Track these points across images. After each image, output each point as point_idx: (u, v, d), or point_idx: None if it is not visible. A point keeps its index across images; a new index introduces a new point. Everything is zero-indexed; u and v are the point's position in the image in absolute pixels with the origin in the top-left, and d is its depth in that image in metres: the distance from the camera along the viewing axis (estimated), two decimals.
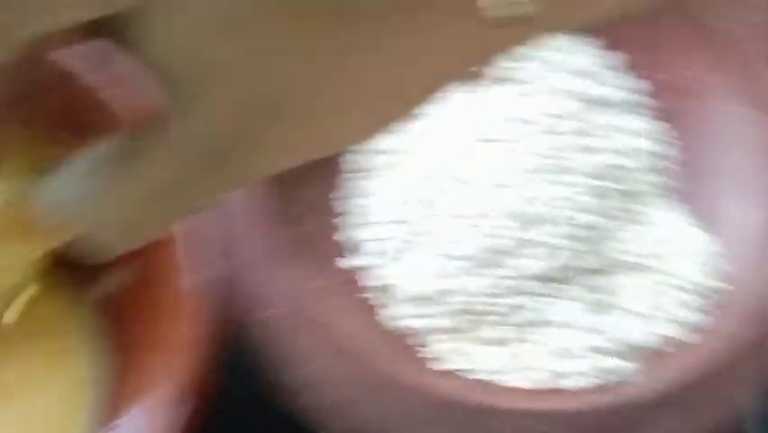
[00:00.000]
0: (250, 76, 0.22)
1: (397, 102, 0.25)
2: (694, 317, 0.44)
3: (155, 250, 0.37)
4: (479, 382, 0.42)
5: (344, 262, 0.45)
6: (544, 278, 0.44)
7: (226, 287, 0.38)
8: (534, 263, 0.43)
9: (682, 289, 0.45)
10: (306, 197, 0.46)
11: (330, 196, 0.47)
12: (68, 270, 0.42)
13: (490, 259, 0.43)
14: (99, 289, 0.41)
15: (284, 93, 0.23)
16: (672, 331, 0.44)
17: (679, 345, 0.43)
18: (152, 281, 0.38)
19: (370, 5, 0.22)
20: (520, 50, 0.48)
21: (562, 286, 0.44)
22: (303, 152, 0.25)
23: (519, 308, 0.43)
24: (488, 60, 0.25)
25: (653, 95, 0.50)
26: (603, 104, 0.49)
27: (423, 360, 0.42)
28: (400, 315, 0.43)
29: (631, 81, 0.50)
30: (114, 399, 0.39)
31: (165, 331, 0.36)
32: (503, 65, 0.49)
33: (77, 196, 0.24)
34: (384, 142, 0.47)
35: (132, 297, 0.40)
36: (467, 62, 0.25)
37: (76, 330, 0.41)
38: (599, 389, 0.42)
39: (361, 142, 0.27)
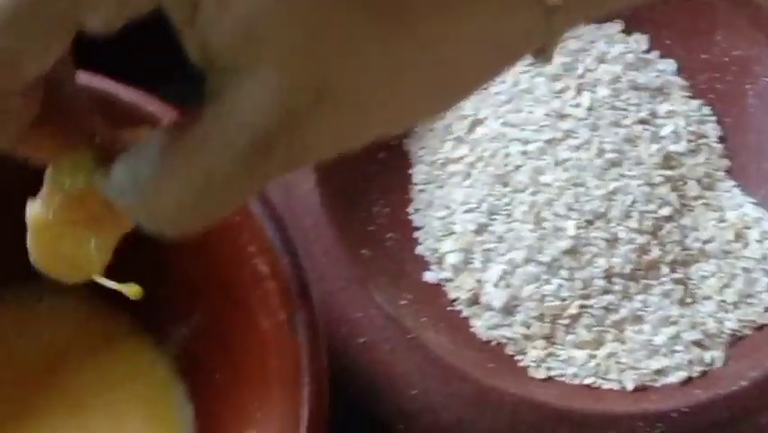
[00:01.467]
0: (298, 59, 0.22)
1: (454, 88, 0.24)
2: None
3: (242, 288, 0.37)
4: (581, 387, 0.41)
5: (430, 276, 0.45)
6: (631, 275, 0.43)
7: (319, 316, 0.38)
8: (622, 261, 0.43)
9: (764, 271, 0.44)
10: (382, 214, 0.46)
11: (407, 210, 0.46)
12: (150, 323, 0.42)
13: (577, 260, 0.43)
14: (179, 335, 0.42)
15: (334, 78, 0.22)
16: (760, 315, 0.43)
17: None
18: (241, 322, 0.38)
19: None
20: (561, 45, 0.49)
21: (650, 281, 0.43)
22: (354, 137, 0.24)
23: (612, 307, 0.43)
24: (540, 47, 0.24)
25: (694, 76, 0.49)
26: (655, 90, 0.48)
27: (522, 369, 0.42)
28: (493, 325, 0.43)
29: (671, 64, 0.50)
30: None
31: (272, 365, 0.36)
32: (554, 61, 0.48)
33: (135, 183, 0.25)
34: (455, 150, 0.47)
35: (218, 340, 0.40)
36: (521, 48, 0.24)
37: (161, 379, 0.42)
38: (699, 381, 0.42)
39: (412, 125, 0.26)
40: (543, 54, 0.25)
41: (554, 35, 0.24)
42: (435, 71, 0.23)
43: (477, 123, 0.47)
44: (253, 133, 0.23)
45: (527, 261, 0.43)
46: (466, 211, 0.45)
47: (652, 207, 0.44)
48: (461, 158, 0.47)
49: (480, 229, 0.44)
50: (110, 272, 0.42)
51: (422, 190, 0.47)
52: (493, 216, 0.45)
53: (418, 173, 0.47)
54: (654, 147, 0.46)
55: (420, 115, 0.25)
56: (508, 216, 0.45)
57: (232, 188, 0.24)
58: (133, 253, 0.41)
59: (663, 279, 0.43)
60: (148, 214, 0.25)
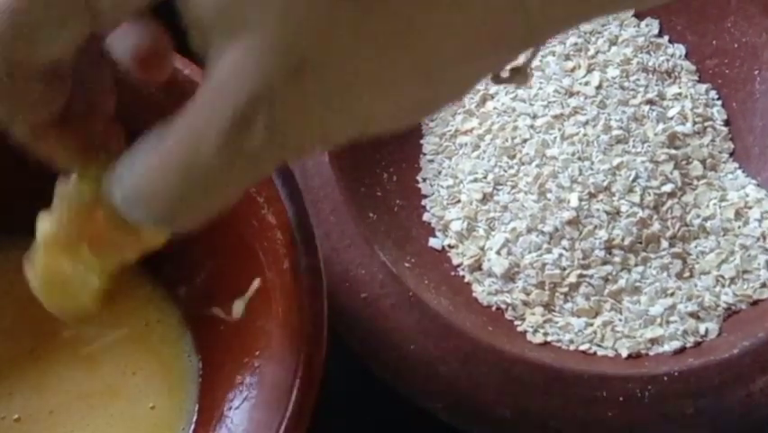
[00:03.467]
0: (278, 27, 0.22)
1: (434, 84, 0.24)
2: None
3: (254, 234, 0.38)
4: (576, 352, 0.42)
5: (435, 242, 0.46)
6: (631, 247, 0.44)
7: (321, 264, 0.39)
8: (622, 234, 0.44)
9: (762, 249, 0.45)
10: (391, 181, 0.47)
11: (415, 179, 0.47)
12: (162, 276, 0.43)
13: (578, 231, 0.44)
14: (188, 287, 0.43)
15: (313, 51, 0.22)
16: (756, 291, 0.44)
17: (762, 304, 0.44)
18: (248, 273, 0.39)
19: None
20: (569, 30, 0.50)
21: (649, 254, 0.44)
22: (337, 123, 0.24)
23: (610, 278, 0.44)
24: (527, 47, 0.24)
25: (703, 60, 0.50)
26: (664, 72, 0.49)
27: (520, 333, 0.43)
28: (494, 291, 0.44)
29: (680, 48, 0.51)
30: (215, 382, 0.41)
31: (274, 312, 0.37)
32: (567, 42, 0.50)
33: (131, 175, 0.25)
34: (465, 123, 0.48)
35: (225, 292, 0.41)
36: (501, 49, 0.24)
37: (171, 331, 0.43)
38: (692, 351, 0.42)
39: (404, 123, 0.25)
40: (519, 73, 0.25)
41: (535, 43, 0.24)
42: (418, 57, 0.23)
43: (487, 97, 0.48)
44: (234, 107, 0.22)
45: (530, 230, 0.44)
46: (473, 181, 0.46)
47: (654, 183, 0.45)
48: (471, 130, 0.48)
49: (485, 198, 0.46)
50: None
51: (431, 160, 0.48)
52: (498, 187, 0.46)
53: (428, 144, 0.48)
54: (660, 127, 0.47)
55: (403, 111, 0.24)
56: (513, 186, 0.46)
57: (217, 174, 0.23)
58: None
59: (663, 252, 0.44)
60: (146, 209, 0.25)
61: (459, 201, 0.46)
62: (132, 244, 0.29)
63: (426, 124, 0.49)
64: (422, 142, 0.48)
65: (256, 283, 0.39)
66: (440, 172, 0.47)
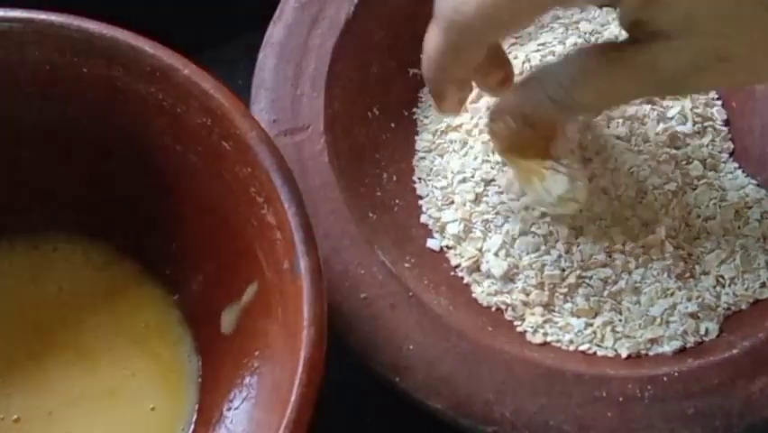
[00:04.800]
0: (718, 35, 0.34)
1: None
2: None
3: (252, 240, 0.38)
4: (576, 352, 0.42)
5: (433, 243, 0.46)
6: (632, 248, 0.44)
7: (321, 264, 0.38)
8: (623, 234, 0.44)
9: (762, 249, 0.45)
10: (391, 181, 0.47)
11: (414, 178, 0.47)
12: (162, 277, 0.43)
13: (577, 232, 0.44)
14: (189, 288, 0.43)
15: (728, 49, 0.34)
16: (756, 291, 0.44)
17: (762, 304, 0.44)
18: (247, 274, 0.39)
19: None
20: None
21: (651, 255, 0.44)
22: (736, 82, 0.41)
23: (610, 279, 0.43)
24: None
25: None
26: None
27: (520, 334, 0.43)
28: (493, 291, 0.44)
29: None
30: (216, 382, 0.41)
31: (274, 313, 0.37)
32: (567, 42, 0.49)
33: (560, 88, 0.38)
34: (456, 118, 0.48)
35: (225, 293, 0.41)
36: None
37: (172, 333, 0.43)
38: (692, 351, 0.42)
39: None
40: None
41: None
42: None
43: (483, 93, 0.48)
44: (661, 74, 0.35)
45: (527, 231, 0.44)
46: (461, 181, 0.46)
47: (664, 183, 0.45)
48: (461, 125, 0.47)
49: (478, 199, 0.45)
50: (122, 226, 0.43)
51: (423, 158, 0.48)
52: (488, 187, 0.45)
53: (421, 141, 0.48)
54: (661, 126, 0.47)
55: None
56: (510, 186, 0.45)
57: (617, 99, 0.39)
58: (149, 208, 0.43)
59: (666, 253, 0.44)
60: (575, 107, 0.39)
61: (453, 202, 0.46)
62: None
63: (421, 120, 0.49)
64: (416, 138, 0.48)
65: (251, 289, 0.39)
66: (432, 171, 0.47)
